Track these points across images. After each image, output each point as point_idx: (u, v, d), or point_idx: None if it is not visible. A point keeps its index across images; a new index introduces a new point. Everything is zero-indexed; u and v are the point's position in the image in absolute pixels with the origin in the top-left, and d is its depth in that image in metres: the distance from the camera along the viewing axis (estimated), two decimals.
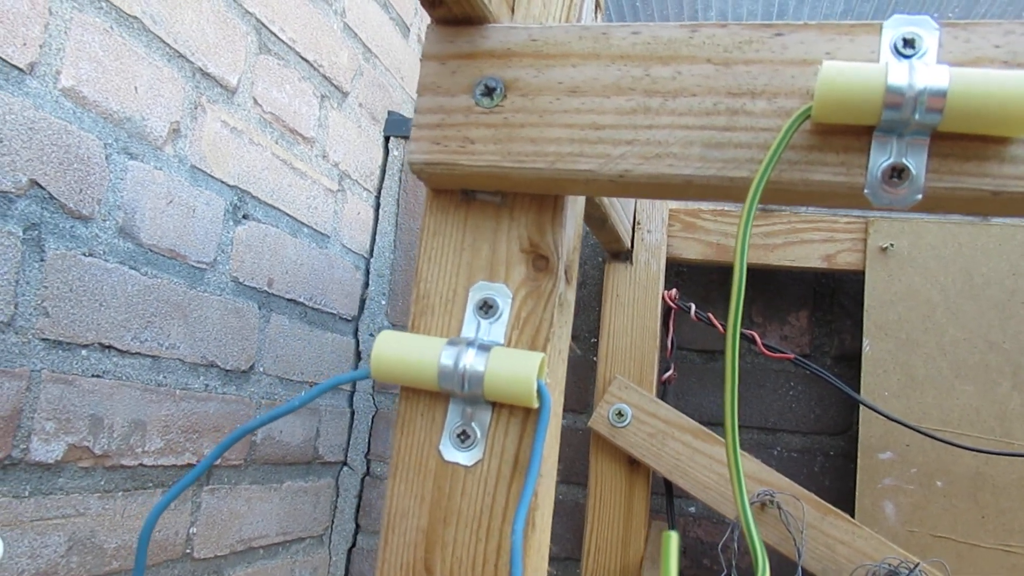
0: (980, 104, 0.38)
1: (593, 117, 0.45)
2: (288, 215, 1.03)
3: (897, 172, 0.41)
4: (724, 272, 1.13)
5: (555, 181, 0.45)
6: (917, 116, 0.39)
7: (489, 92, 0.46)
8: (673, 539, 0.31)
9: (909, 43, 0.41)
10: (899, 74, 0.39)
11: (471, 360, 0.45)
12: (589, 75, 0.45)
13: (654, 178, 0.44)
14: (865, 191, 0.41)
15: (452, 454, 0.47)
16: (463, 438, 0.47)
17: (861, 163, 0.41)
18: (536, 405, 0.45)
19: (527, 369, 0.44)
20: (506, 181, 0.46)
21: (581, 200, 0.53)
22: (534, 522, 0.45)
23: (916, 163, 0.41)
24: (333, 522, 1.19)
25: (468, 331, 0.48)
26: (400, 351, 0.46)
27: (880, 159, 0.41)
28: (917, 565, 0.85)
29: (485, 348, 0.46)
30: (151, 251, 0.82)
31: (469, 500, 0.46)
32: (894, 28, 0.42)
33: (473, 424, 0.47)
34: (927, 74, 0.39)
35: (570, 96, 0.45)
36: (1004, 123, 0.39)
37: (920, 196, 0.41)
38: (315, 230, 1.09)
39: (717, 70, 0.44)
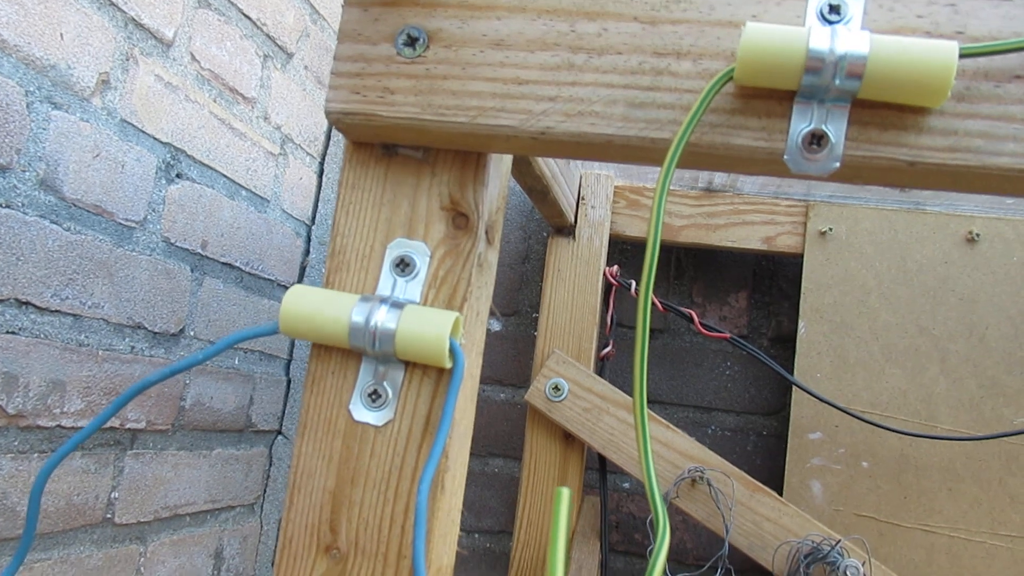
0: (899, 72, 0.38)
1: (516, 72, 0.43)
2: (225, 176, 1.00)
3: (817, 139, 0.41)
4: (666, 251, 1.14)
5: (476, 136, 0.44)
6: (837, 82, 0.39)
7: (411, 42, 0.45)
8: (565, 495, 0.31)
9: (835, 9, 0.41)
10: (821, 38, 0.39)
11: (383, 317, 0.44)
12: (514, 28, 0.44)
13: (575, 136, 0.43)
14: (785, 157, 0.41)
15: (362, 414, 0.46)
16: (374, 398, 0.45)
17: (782, 128, 0.41)
18: (448, 365, 0.44)
19: (439, 328, 0.43)
20: (426, 135, 0.45)
21: (507, 159, 0.51)
22: (443, 484, 0.45)
23: (836, 130, 0.40)
24: (266, 491, 1.17)
25: (384, 289, 0.46)
26: (310, 306, 0.44)
27: (800, 125, 0.41)
28: (839, 542, 0.87)
29: (399, 306, 0.44)
30: (75, 206, 0.79)
31: (378, 461, 0.45)
32: None
33: (385, 384, 0.46)
34: (848, 40, 0.39)
35: (494, 49, 0.44)
36: (922, 93, 0.38)
37: (838, 164, 0.41)
38: (254, 193, 1.07)
39: (644, 28, 0.43)
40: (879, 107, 0.40)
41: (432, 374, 0.45)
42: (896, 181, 0.41)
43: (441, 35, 0.45)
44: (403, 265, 0.46)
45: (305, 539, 0.45)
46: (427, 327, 0.43)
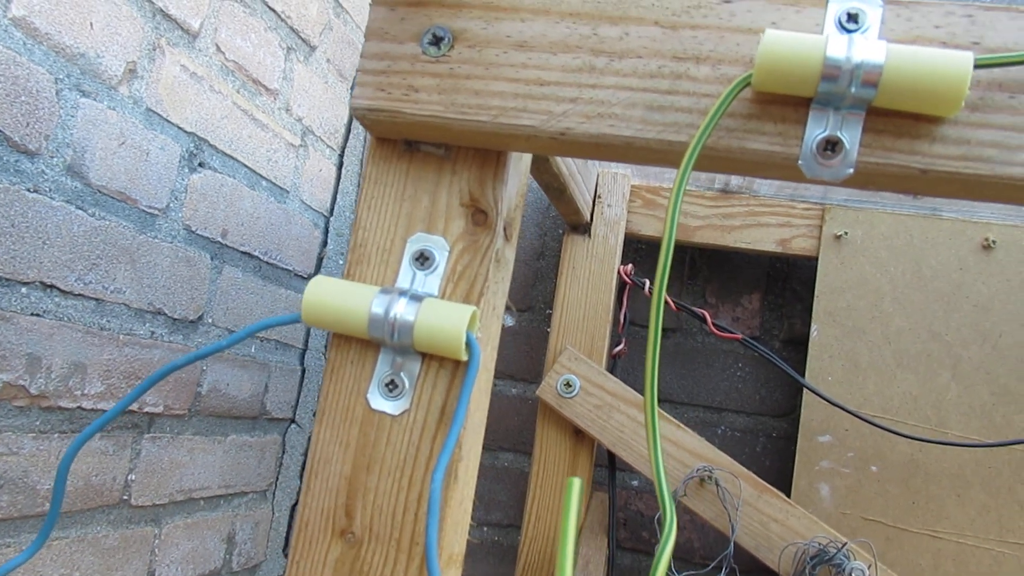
0: (914, 81, 0.39)
1: (539, 73, 0.44)
2: (246, 167, 1.02)
3: (831, 145, 0.41)
4: (681, 251, 1.14)
5: (497, 135, 0.45)
6: (853, 89, 0.40)
7: (437, 41, 0.46)
8: (576, 485, 0.31)
9: (853, 18, 0.42)
10: (838, 47, 0.40)
11: (402, 309, 0.45)
12: (538, 30, 0.45)
13: (595, 138, 0.44)
14: (799, 162, 0.42)
15: (379, 403, 0.47)
16: (391, 387, 0.47)
17: (797, 134, 0.42)
18: (465, 358, 0.45)
19: (457, 321, 0.44)
20: (448, 133, 0.46)
21: (526, 158, 0.52)
22: (456, 474, 0.46)
23: (850, 137, 0.41)
24: (278, 479, 1.19)
25: (403, 282, 0.48)
26: (331, 297, 0.46)
27: (816, 131, 0.41)
28: (845, 544, 0.87)
29: (417, 298, 0.46)
30: (100, 192, 0.80)
31: (393, 449, 0.46)
32: (840, 2, 0.42)
33: (402, 374, 0.47)
34: (865, 48, 0.39)
35: (517, 50, 0.45)
36: (936, 102, 0.39)
37: (852, 170, 0.41)
38: (274, 184, 1.08)
39: (664, 33, 0.44)
40: (893, 115, 0.41)
41: (448, 366, 0.47)
42: (909, 188, 0.42)
43: (466, 35, 0.46)
44: (422, 259, 0.47)
45: (321, 523, 0.46)
46: (445, 320, 0.44)
